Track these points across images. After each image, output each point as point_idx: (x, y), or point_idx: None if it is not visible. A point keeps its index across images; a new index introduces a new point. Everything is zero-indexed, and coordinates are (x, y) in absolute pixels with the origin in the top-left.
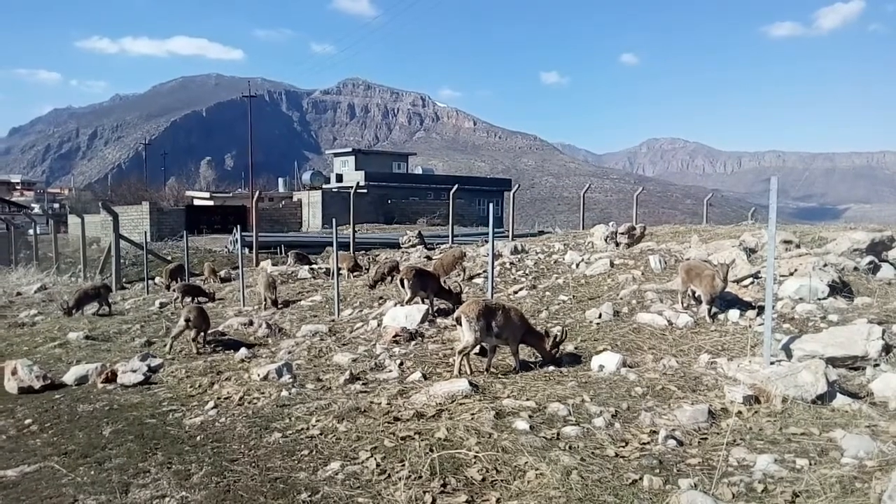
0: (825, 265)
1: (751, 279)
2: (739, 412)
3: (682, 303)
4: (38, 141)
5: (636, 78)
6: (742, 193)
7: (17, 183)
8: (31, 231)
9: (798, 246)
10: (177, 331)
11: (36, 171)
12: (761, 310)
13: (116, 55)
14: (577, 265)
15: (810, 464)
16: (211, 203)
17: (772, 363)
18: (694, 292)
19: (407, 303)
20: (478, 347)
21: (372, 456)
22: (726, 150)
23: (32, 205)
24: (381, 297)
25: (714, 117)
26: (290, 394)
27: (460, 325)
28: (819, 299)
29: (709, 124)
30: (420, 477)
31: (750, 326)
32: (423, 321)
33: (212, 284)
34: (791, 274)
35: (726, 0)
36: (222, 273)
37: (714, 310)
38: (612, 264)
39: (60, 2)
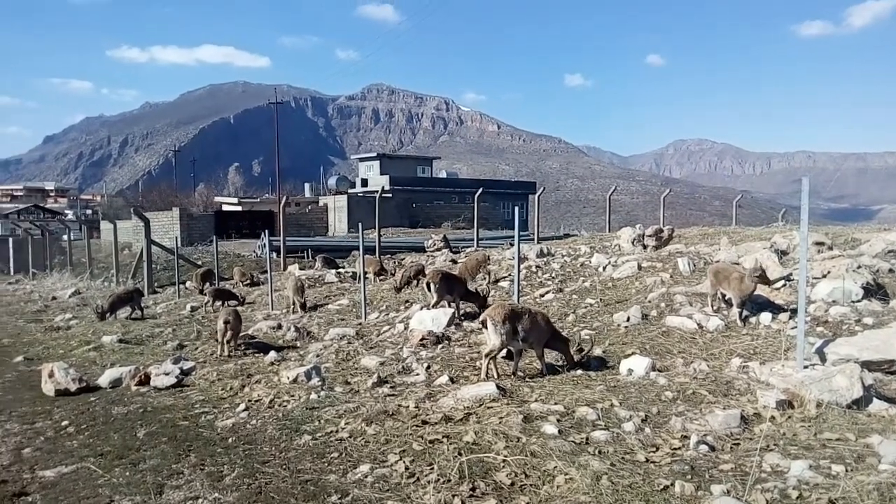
0: (859, 267)
1: (783, 281)
2: (772, 417)
3: (711, 306)
4: (71, 149)
5: (662, 78)
6: (772, 195)
7: (51, 190)
8: (64, 237)
9: (831, 248)
10: (220, 334)
11: (69, 178)
12: (794, 313)
13: (146, 64)
14: (604, 268)
15: (847, 470)
16: (239, 208)
17: (805, 367)
18: (724, 295)
19: (433, 306)
20: (504, 351)
21: (401, 459)
22: (755, 151)
23: (66, 211)
24: (407, 301)
25: (742, 118)
26: (319, 397)
27: (486, 328)
28: (853, 302)
29: (737, 125)
30: (449, 481)
31: (782, 330)
32: (449, 324)
33: (241, 288)
34: (824, 276)
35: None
36: (254, 277)
37: (745, 313)
38: (639, 267)
39: (92, 12)
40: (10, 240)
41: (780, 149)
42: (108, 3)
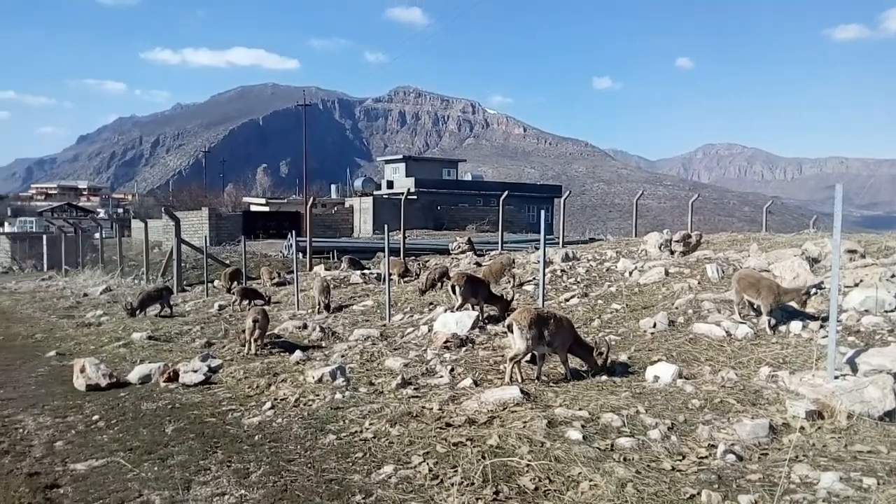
0: (893, 276)
1: (814, 289)
2: (802, 428)
3: (738, 313)
4: (104, 148)
5: (692, 82)
6: (803, 201)
7: (84, 189)
8: (96, 235)
9: (863, 255)
10: (248, 332)
11: (101, 177)
12: (825, 322)
13: (178, 66)
14: (630, 273)
15: (878, 483)
16: (267, 209)
17: (836, 377)
18: (751, 303)
19: (457, 309)
20: (529, 355)
21: (424, 461)
22: (786, 156)
23: (98, 209)
24: (431, 303)
25: (774, 122)
26: (343, 396)
27: (512, 332)
28: (886, 311)
29: (768, 129)
30: (472, 484)
31: (813, 339)
32: (473, 327)
33: (268, 288)
34: (856, 285)
35: (789, 2)
36: (281, 277)
37: (774, 321)
38: (666, 273)
39: (126, 15)
40: (44, 237)
41: (812, 154)
42: (143, 7)
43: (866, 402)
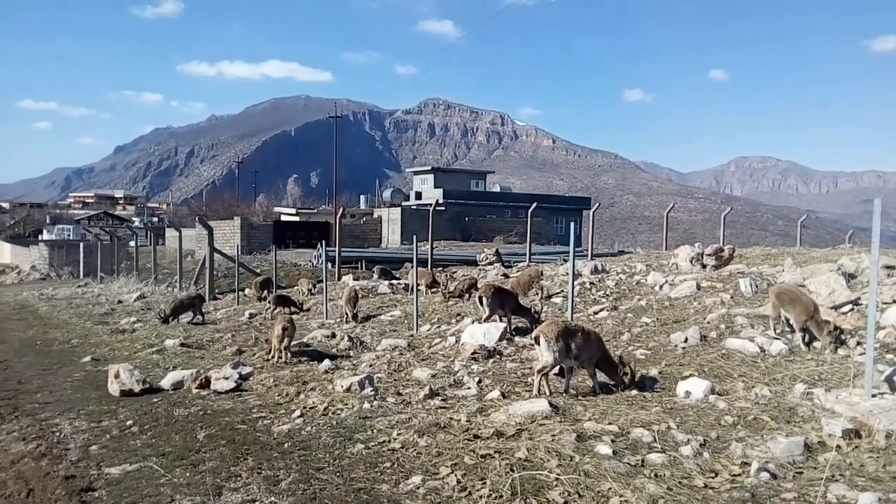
0: None
1: (850, 306)
2: (838, 446)
3: (773, 329)
4: (140, 158)
5: (725, 94)
6: (838, 215)
7: (120, 198)
8: (131, 243)
9: None
10: (277, 340)
11: (137, 186)
12: (862, 338)
13: (213, 78)
14: (661, 287)
15: None
16: (297, 219)
17: (874, 395)
18: (787, 319)
19: (485, 320)
20: (557, 368)
21: (452, 472)
22: (821, 170)
23: (133, 218)
24: (458, 314)
25: (809, 135)
26: (371, 406)
27: (539, 344)
28: None
29: (803, 142)
30: (501, 496)
31: (849, 356)
32: (501, 339)
33: (304, 297)
34: (894, 301)
35: (826, 14)
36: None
37: (809, 337)
38: (698, 287)
39: (164, 28)
40: (81, 245)
41: (848, 168)
42: (180, 20)
43: None
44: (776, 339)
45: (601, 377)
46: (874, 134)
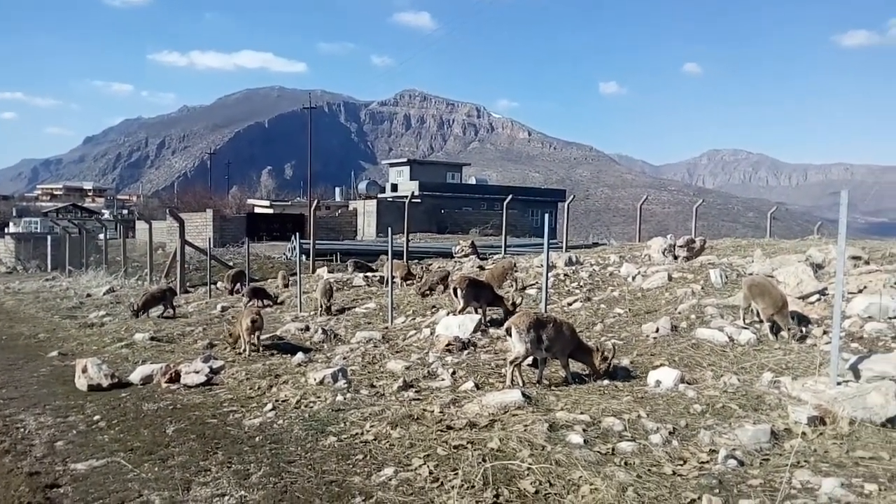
0: None
1: (817, 296)
2: (804, 433)
3: (743, 319)
4: (110, 150)
5: (698, 88)
6: (808, 207)
7: (90, 190)
8: (101, 236)
9: (867, 262)
10: (247, 332)
11: (107, 178)
12: (828, 328)
13: (185, 68)
14: (634, 278)
15: (880, 489)
16: (270, 211)
17: (839, 384)
18: (757, 311)
19: (460, 312)
20: (530, 359)
21: (425, 463)
22: (791, 162)
23: (103, 210)
24: (433, 306)
25: (779, 128)
26: (344, 399)
27: (511, 336)
28: (890, 318)
29: (773, 135)
30: (473, 486)
31: (816, 345)
32: (475, 331)
33: (281, 290)
34: (860, 291)
35: (797, 9)
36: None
37: (777, 327)
38: (670, 278)
39: (134, 17)
40: (49, 237)
41: (818, 160)
42: (151, 9)
43: (869, 408)
44: (745, 328)
45: (576, 367)
46: (843, 127)
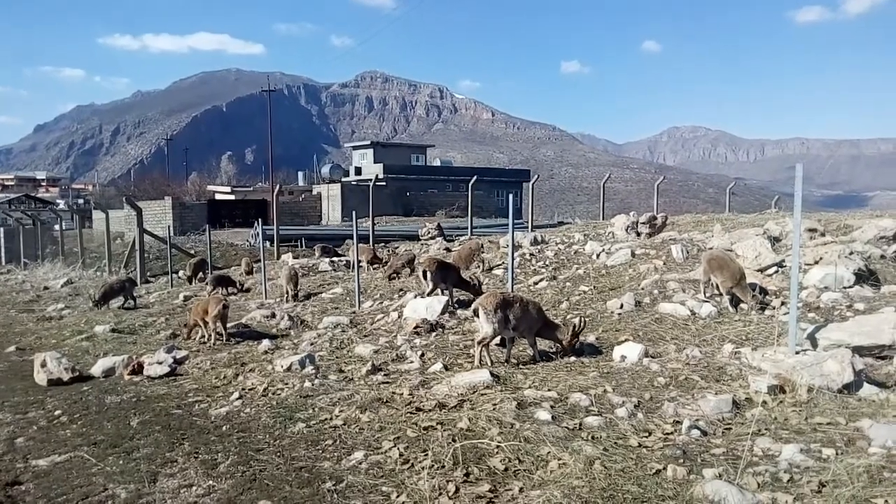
0: (851, 253)
1: (775, 268)
2: (764, 402)
3: (704, 293)
4: (63, 138)
5: (658, 66)
6: (765, 182)
7: (43, 179)
8: (56, 227)
9: (823, 234)
10: (213, 321)
11: (60, 167)
12: (786, 299)
13: (138, 51)
14: (598, 255)
15: (837, 453)
16: (232, 197)
17: (797, 353)
18: (717, 284)
19: (427, 294)
20: (498, 338)
21: (395, 446)
22: (749, 138)
23: (57, 201)
24: (401, 289)
25: (737, 105)
26: (313, 385)
27: (478, 317)
28: (845, 288)
29: (731, 112)
30: (443, 466)
31: (774, 316)
32: (443, 312)
33: (244, 277)
34: (816, 262)
35: None
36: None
37: (737, 300)
38: (633, 254)
39: (84, 0)
40: (1, 230)
41: (774, 136)
42: None
43: (826, 375)
44: (706, 302)
45: (543, 345)
46: (798, 102)
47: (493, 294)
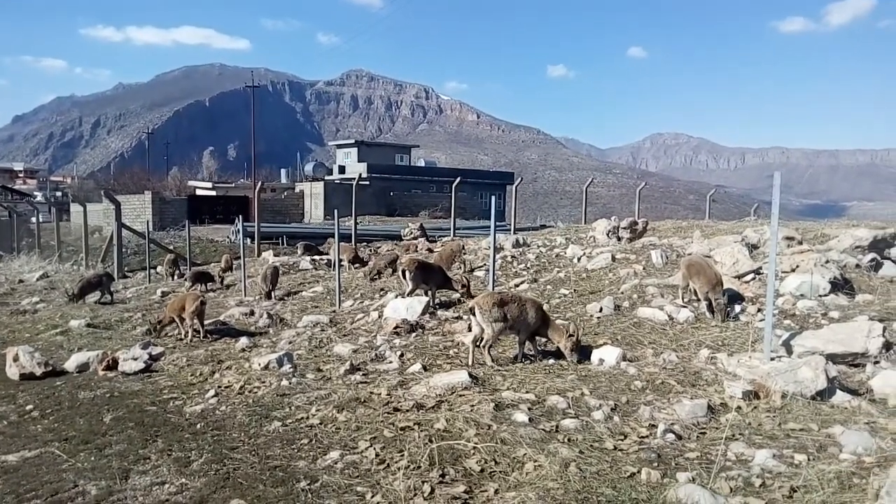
0: (827, 262)
1: (752, 275)
2: (739, 407)
3: (682, 298)
4: (42, 129)
5: (642, 72)
6: (745, 190)
7: (20, 171)
8: (33, 219)
9: (800, 242)
10: (189, 317)
11: (39, 159)
12: (762, 305)
13: (121, 44)
14: (579, 259)
15: (809, 459)
16: (213, 193)
17: (772, 359)
18: (695, 290)
19: (408, 294)
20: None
21: (371, 446)
22: (730, 146)
23: (35, 193)
24: (382, 289)
25: (719, 113)
26: (290, 383)
27: (474, 315)
28: (820, 296)
29: (714, 120)
30: (419, 467)
31: (751, 322)
32: (423, 313)
33: (223, 275)
34: (793, 270)
35: None
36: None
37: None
38: (613, 259)
39: None
40: None
41: (756, 144)
42: None
43: (800, 382)
44: (684, 307)
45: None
46: (779, 112)
47: (490, 294)
